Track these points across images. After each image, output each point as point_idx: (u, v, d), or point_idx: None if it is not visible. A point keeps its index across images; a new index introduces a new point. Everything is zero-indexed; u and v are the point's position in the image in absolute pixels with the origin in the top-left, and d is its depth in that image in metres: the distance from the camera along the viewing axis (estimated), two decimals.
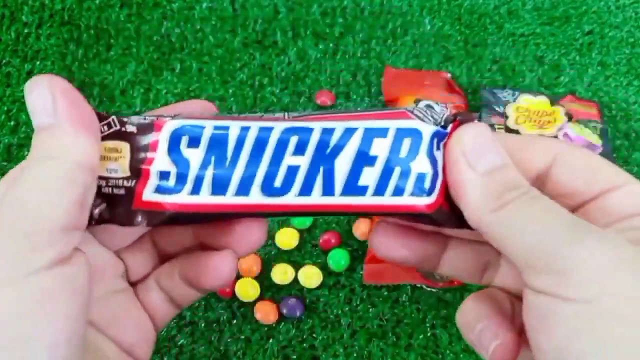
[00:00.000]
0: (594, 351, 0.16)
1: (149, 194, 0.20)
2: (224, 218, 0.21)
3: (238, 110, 0.52)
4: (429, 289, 0.45)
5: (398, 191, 0.20)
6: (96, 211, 0.20)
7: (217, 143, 0.20)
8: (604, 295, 0.16)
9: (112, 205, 0.20)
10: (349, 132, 0.20)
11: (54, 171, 0.18)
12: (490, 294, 0.22)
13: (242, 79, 0.54)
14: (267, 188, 0.20)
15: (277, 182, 0.20)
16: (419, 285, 0.45)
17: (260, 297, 0.44)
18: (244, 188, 0.20)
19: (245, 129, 0.20)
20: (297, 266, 0.45)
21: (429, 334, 0.44)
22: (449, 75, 0.53)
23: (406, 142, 0.20)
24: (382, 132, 0.20)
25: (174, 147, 0.20)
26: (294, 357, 0.43)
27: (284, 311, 0.44)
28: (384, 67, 0.54)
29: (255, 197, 0.20)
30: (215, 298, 0.44)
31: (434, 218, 0.20)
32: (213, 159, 0.20)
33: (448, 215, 0.21)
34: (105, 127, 0.20)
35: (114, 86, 0.53)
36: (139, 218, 0.20)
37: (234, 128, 0.20)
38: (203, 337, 0.40)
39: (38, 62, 0.54)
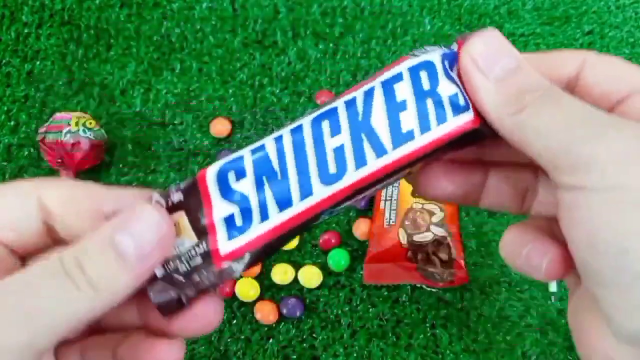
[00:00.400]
0: (622, 235, 0.16)
1: (224, 246, 0.19)
2: (302, 230, 0.20)
3: (238, 110, 0.52)
4: (429, 289, 0.45)
5: (441, 119, 0.20)
6: (184, 299, 0.20)
7: (261, 163, 0.20)
8: (628, 181, 0.16)
9: (196, 282, 0.20)
10: (369, 94, 0.20)
11: (82, 302, 0.17)
12: (531, 222, 0.22)
13: (242, 79, 0.54)
14: (326, 177, 0.20)
15: (332, 168, 0.20)
16: (419, 285, 0.45)
17: (260, 297, 0.44)
18: (305, 190, 0.20)
19: (279, 138, 0.20)
20: (297, 266, 0.45)
21: (429, 334, 0.44)
22: None
23: (423, 75, 0.20)
24: (398, 78, 0.20)
25: (225, 188, 0.20)
26: (294, 357, 0.43)
27: (284, 311, 0.44)
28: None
29: (320, 191, 0.20)
30: None
31: (483, 131, 0.20)
32: (265, 179, 0.20)
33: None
34: None
35: (114, 86, 0.53)
36: (227, 273, 0.20)
37: (269, 144, 0.20)
38: (203, 337, 0.40)
39: (38, 62, 0.54)
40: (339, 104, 0.20)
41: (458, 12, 0.58)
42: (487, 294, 0.45)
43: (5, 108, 0.52)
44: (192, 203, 0.20)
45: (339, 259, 0.45)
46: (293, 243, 0.46)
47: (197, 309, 0.20)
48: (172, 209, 0.20)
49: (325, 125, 0.20)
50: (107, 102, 0.52)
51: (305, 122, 0.20)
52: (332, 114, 0.20)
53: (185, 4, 0.57)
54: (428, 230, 0.44)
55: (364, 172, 0.20)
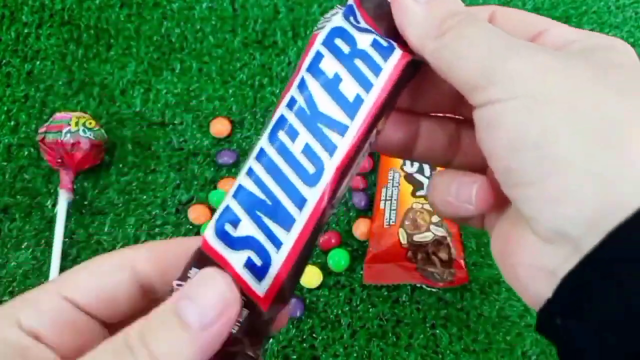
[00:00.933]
0: (537, 130, 0.17)
1: (258, 289, 0.19)
2: (317, 234, 0.20)
3: (238, 110, 0.52)
4: (429, 288, 0.45)
5: (376, 69, 0.20)
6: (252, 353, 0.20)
7: (248, 201, 0.20)
8: (539, 88, 0.17)
9: (253, 331, 0.20)
10: (302, 86, 0.20)
11: None
12: (455, 167, 0.24)
13: (242, 79, 0.54)
14: (309, 179, 0.20)
15: (310, 169, 0.20)
16: (419, 285, 0.45)
17: None
18: (298, 200, 0.20)
19: (250, 171, 0.20)
20: None
21: (429, 334, 0.44)
22: None
23: (338, 42, 0.21)
24: (319, 57, 0.21)
25: (230, 241, 0.20)
26: (294, 357, 0.43)
27: None
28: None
29: (311, 194, 0.20)
30: None
31: (417, 60, 0.21)
32: (259, 212, 0.20)
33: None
34: None
35: (114, 86, 0.53)
36: (272, 314, 0.20)
37: (245, 181, 0.20)
38: None
39: (38, 62, 0.54)
40: (283, 110, 0.20)
41: None
42: (487, 294, 0.45)
43: (5, 108, 0.52)
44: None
45: (339, 259, 0.45)
46: None
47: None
48: None
49: (282, 135, 0.20)
50: (107, 102, 0.52)
51: (264, 143, 0.20)
52: (283, 122, 0.20)
53: (185, 4, 0.57)
54: (428, 230, 0.44)
55: (339, 155, 0.20)
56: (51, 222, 0.47)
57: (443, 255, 0.43)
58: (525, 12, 0.21)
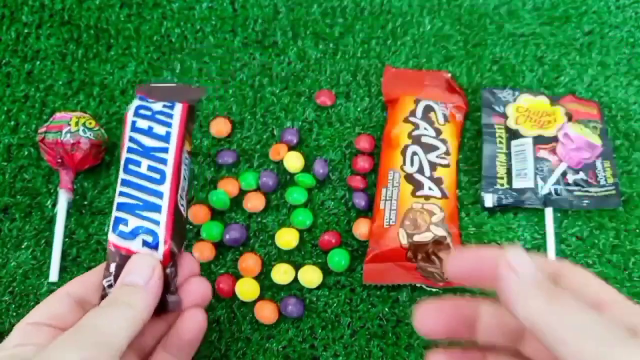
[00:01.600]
0: None
1: (157, 255, 0.33)
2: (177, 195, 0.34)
3: (238, 110, 0.52)
4: (429, 288, 0.45)
5: (170, 116, 0.37)
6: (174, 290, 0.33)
7: (126, 208, 0.33)
8: None
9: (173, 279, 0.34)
10: (131, 139, 0.35)
11: (127, 316, 0.28)
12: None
13: (242, 79, 0.54)
14: (159, 180, 0.34)
15: (156, 175, 0.34)
16: (419, 285, 0.45)
17: (260, 297, 0.44)
18: (159, 187, 0.34)
19: (121, 193, 0.34)
20: (297, 266, 0.45)
21: None
22: (449, 75, 0.53)
23: (142, 111, 0.37)
24: (134, 122, 0.36)
25: (126, 235, 0.32)
26: (294, 357, 0.43)
27: (284, 311, 0.44)
28: (384, 67, 0.54)
29: (165, 186, 0.34)
30: (215, 298, 0.44)
31: (193, 105, 0.38)
32: (137, 210, 0.33)
33: None
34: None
35: (114, 86, 0.53)
36: (171, 268, 0.33)
37: (120, 199, 0.33)
38: (203, 337, 0.40)
39: (38, 62, 0.54)
40: (125, 154, 0.34)
41: (458, 12, 0.58)
42: (487, 294, 0.45)
43: (5, 108, 0.52)
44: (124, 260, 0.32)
45: (339, 259, 0.45)
46: (293, 243, 0.46)
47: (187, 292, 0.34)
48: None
49: (132, 166, 0.34)
50: (107, 102, 0.52)
51: (122, 175, 0.33)
52: (128, 159, 0.34)
53: (185, 4, 0.57)
54: (428, 230, 0.44)
55: (170, 161, 0.34)
56: (51, 222, 0.47)
57: (443, 255, 0.43)
58: (590, 275, 0.23)
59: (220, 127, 0.51)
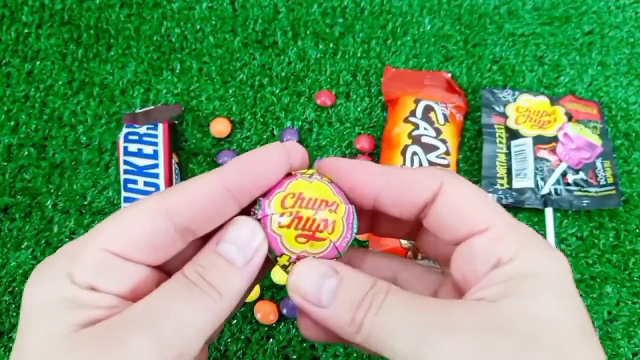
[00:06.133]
0: None
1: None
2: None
3: (238, 110, 0.52)
4: None
5: (155, 137, 0.46)
6: None
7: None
8: None
9: None
10: (126, 162, 0.42)
11: (216, 308, 0.20)
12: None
13: (242, 79, 0.54)
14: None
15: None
16: None
17: (260, 297, 0.44)
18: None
19: (125, 199, 0.42)
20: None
21: None
22: (449, 75, 0.53)
23: (130, 136, 0.46)
24: (126, 147, 0.46)
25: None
26: (294, 357, 0.43)
27: (284, 311, 0.44)
28: (384, 67, 0.54)
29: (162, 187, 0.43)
30: None
31: (173, 123, 0.48)
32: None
33: None
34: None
35: (114, 86, 0.53)
36: None
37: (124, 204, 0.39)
38: None
39: (38, 62, 0.54)
40: (123, 175, 0.42)
41: (458, 12, 0.58)
42: None
43: (5, 108, 0.52)
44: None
45: None
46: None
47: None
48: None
49: (130, 184, 0.39)
50: (107, 102, 0.52)
51: (123, 193, 0.39)
52: (125, 180, 0.43)
53: (185, 4, 0.57)
54: None
55: (162, 179, 0.43)
56: (51, 222, 0.47)
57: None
58: (470, 192, 0.21)
59: (220, 127, 0.51)
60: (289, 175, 0.23)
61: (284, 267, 0.23)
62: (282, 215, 0.22)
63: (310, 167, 0.24)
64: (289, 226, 0.22)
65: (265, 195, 0.22)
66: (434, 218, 0.22)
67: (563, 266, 0.20)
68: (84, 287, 0.19)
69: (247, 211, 0.23)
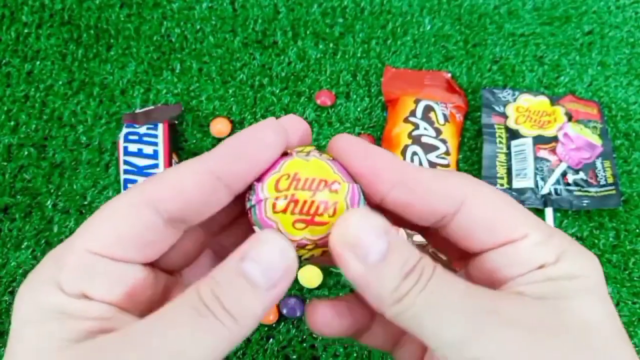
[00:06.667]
0: None
1: None
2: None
3: (238, 110, 0.52)
4: None
5: (155, 137, 0.45)
6: None
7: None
8: None
9: None
10: (126, 162, 0.45)
11: (229, 337, 0.18)
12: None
13: (242, 79, 0.54)
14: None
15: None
16: None
17: None
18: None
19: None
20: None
21: None
22: (449, 75, 0.53)
23: (130, 136, 0.45)
24: (126, 147, 0.44)
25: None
26: (294, 357, 0.43)
27: (284, 311, 0.44)
28: (384, 67, 0.54)
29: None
30: None
31: (173, 123, 0.46)
32: None
33: None
34: None
35: (114, 86, 0.53)
36: None
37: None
38: None
39: (38, 62, 0.54)
40: (122, 175, 0.40)
41: (458, 12, 0.58)
42: None
43: (5, 108, 0.52)
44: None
45: None
46: None
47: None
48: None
49: (131, 185, 0.35)
50: (107, 102, 0.52)
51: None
52: (125, 180, 0.44)
53: (185, 4, 0.57)
54: None
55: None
56: (51, 222, 0.47)
57: (443, 255, 0.43)
58: (495, 201, 0.20)
59: (220, 127, 0.51)
60: (285, 154, 0.21)
61: None
62: (276, 199, 0.19)
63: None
64: (284, 211, 0.19)
65: (259, 178, 0.20)
66: (455, 229, 0.20)
67: (599, 269, 0.20)
68: (73, 295, 0.18)
69: (243, 196, 0.21)
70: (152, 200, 0.19)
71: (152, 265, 0.20)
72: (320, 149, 0.22)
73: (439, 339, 0.18)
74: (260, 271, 0.18)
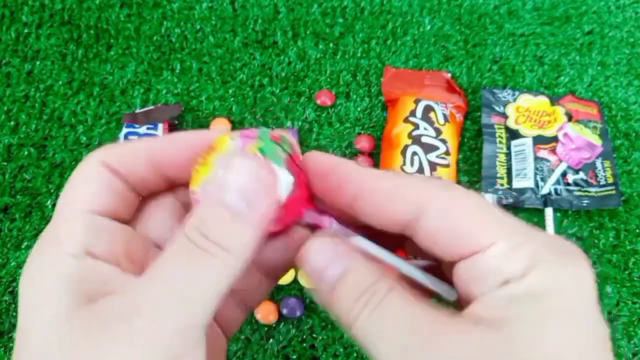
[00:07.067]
0: None
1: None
2: None
3: (238, 110, 0.52)
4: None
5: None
6: None
7: None
8: None
9: None
10: None
11: (223, 268, 0.18)
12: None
13: (242, 79, 0.54)
14: None
15: None
16: None
17: None
18: None
19: None
20: (297, 266, 0.45)
21: None
22: (449, 75, 0.53)
23: (130, 136, 0.45)
24: None
25: None
26: (294, 357, 0.43)
27: (284, 311, 0.44)
28: (384, 67, 0.54)
29: None
30: None
31: (173, 123, 0.45)
32: None
33: None
34: None
35: (113, 86, 0.53)
36: None
37: None
38: None
39: (38, 62, 0.54)
40: None
41: (458, 12, 0.58)
42: None
43: (5, 108, 0.52)
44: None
45: None
46: None
47: None
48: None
49: None
50: (107, 102, 0.52)
51: None
52: None
53: (185, 4, 0.57)
54: None
55: None
56: None
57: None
58: (455, 207, 0.19)
59: (220, 127, 0.51)
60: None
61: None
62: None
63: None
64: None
65: None
66: (423, 236, 0.19)
67: (582, 282, 0.17)
68: (79, 255, 0.18)
69: None
70: (106, 160, 0.20)
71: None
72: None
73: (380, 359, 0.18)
74: (237, 197, 0.18)
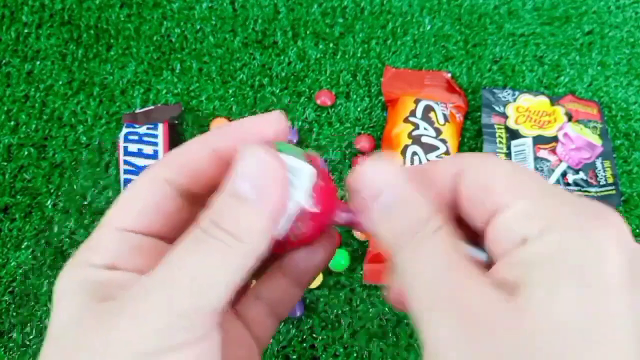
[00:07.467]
0: None
1: None
2: None
3: (238, 110, 0.52)
4: None
5: (155, 137, 0.46)
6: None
7: None
8: None
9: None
10: (126, 162, 0.45)
11: (233, 256, 0.18)
12: None
13: (242, 79, 0.54)
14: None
15: None
16: None
17: None
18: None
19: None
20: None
21: None
22: (449, 75, 0.53)
23: (130, 136, 0.45)
24: (126, 148, 0.45)
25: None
26: (294, 357, 0.43)
27: None
28: (384, 67, 0.54)
29: None
30: None
31: (173, 123, 0.43)
32: None
33: None
34: None
35: (113, 86, 0.53)
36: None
37: None
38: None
39: (38, 62, 0.54)
40: (123, 175, 0.37)
41: (458, 12, 0.58)
42: None
43: (5, 108, 0.52)
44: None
45: (339, 259, 0.45)
46: None
47: None
48: None
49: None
50: (107, 102, 0.52)
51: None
52: (127, 181, 0.36)
53: (185, 4, 0.57)
54: None
55: None
56: (51, 222, 0.47)
57: None
58: (495, 174, 0.19)
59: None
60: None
61: None
62: None
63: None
64: None
65: None
66: (463, 201, 0.19)
67: (605, 246, 0.16)
68: (103, 267, 0.19)
69: None
70: (165, 174, 0.20)
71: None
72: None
73: (410, 306, 0.18)
74: (249, 185, 0.18)
